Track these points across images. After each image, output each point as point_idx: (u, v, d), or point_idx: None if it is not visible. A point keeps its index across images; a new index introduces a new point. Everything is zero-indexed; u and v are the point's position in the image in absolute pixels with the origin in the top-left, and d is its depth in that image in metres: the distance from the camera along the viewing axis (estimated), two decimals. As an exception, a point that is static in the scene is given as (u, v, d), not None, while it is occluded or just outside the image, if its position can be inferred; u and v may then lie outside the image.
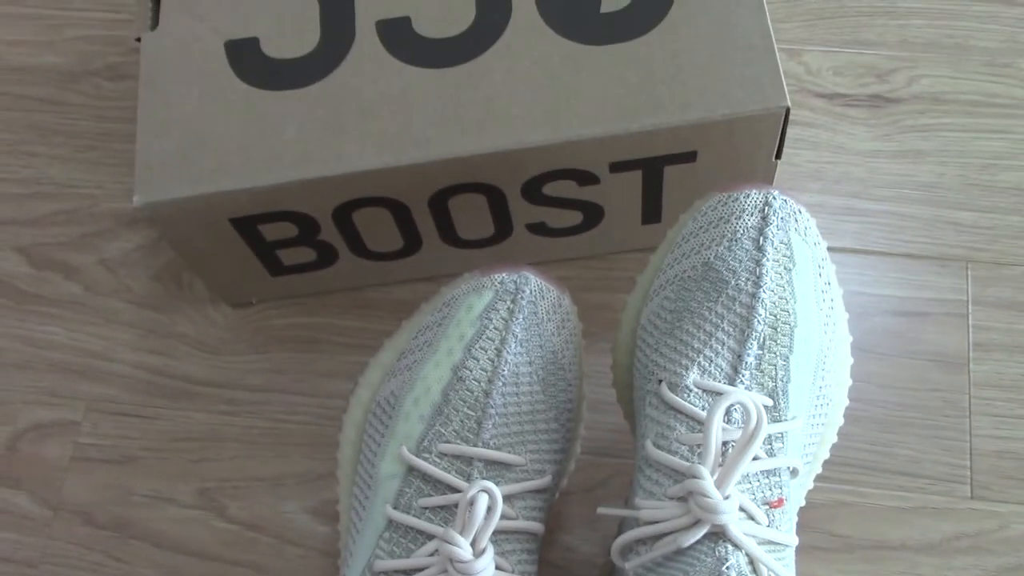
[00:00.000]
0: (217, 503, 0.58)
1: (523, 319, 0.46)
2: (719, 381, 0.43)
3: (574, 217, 0.58)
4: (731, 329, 0.44)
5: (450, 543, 0.41)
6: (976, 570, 0.53)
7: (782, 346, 0.44)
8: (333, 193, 0.52)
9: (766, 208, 0.46)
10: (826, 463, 0.55)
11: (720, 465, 0.40)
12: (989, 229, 0.62)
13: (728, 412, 0.42)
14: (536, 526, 0.45)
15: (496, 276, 0.47)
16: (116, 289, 0.65)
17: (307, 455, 0.59)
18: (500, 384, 0.45)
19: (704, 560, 0.39)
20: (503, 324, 0.46)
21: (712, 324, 0.44)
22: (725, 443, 0.41)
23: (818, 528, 0.55)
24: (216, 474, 0.59)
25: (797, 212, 0.47)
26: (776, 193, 0.46)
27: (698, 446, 0.42)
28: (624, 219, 0.58)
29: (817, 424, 0.47)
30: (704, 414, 0.42)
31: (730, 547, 0.39)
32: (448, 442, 0.44)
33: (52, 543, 0.58)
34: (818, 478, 0.55)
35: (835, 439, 0.49)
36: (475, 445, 0.44)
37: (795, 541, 0.42)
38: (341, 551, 0.49)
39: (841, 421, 0.49)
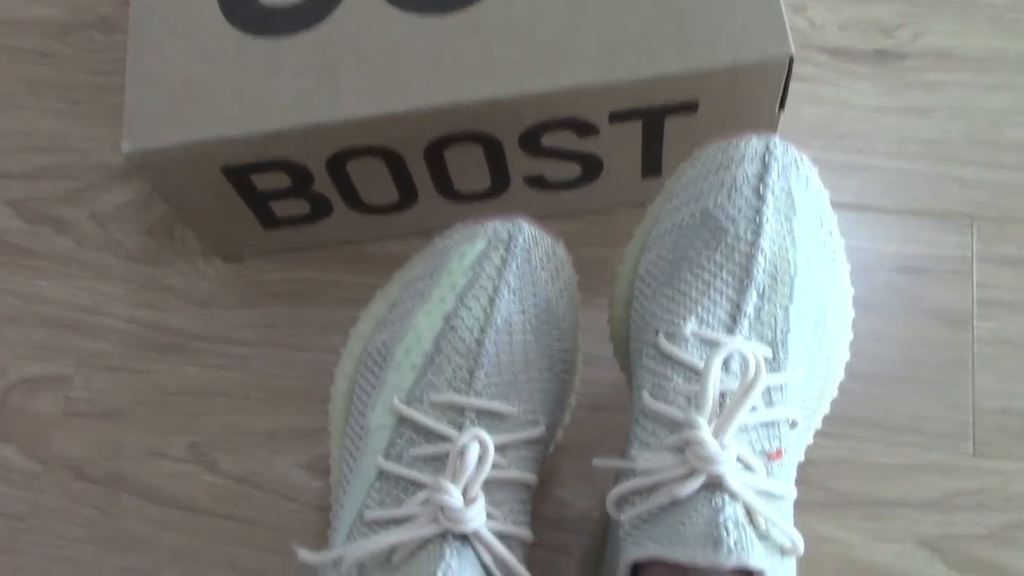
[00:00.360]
0: (209, 458, 0.58)
1: (516, 267, 0.45)
2: (717, 331, 0.42)
3: (573, 170, 0.57)
4: (730, 278, 0.43)
5: (440, 491, 0.40)
6: (978, 527, 0.53)
7: (782, 296, 0.43)
8: (327, 141, 0.51)
9: (767, 156, 0.45)
10: (827, 419, 0.54)
11: (717, 415, 0.39)
12: (995, 186, 0.61)
13: (726, 362, 0.41)
14: (529, 476, 0.44)
15: (489, 225, 0.46)
16: (107, 243, 0.64)
17: (301, 409, 0.58)
18: (493, 333, 0.44)
19: (700, 510, 0.38)
20: (496, 272, 0.45)
21: (710, 273, 0.44)
22: (723, 393, 0.41)
23: (818, 484, 0.54)
24: (208, 429, 0.59)
25: (798, 160, 0.46)
26: (777, 140, 0.45)
27: (695, 396, 0.41)
28: (624, 172, 0.57)
29: (817, 377, 0.46)
30: (702, 364, 0.42)
31: (727, 497, 0.38)
32: (440, 392, 0.44)
33: (42, 497, 0.58)
34: (818, 434, 0.54)
35: (835, 394, 0.49)
36: (467, 395, 0.43)
37: (794, 493, 0.41)
38: (332, 504, 0.48)
39: (842, 376, 0.49)
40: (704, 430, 0.38)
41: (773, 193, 0.44)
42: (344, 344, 0.49)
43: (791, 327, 0.43)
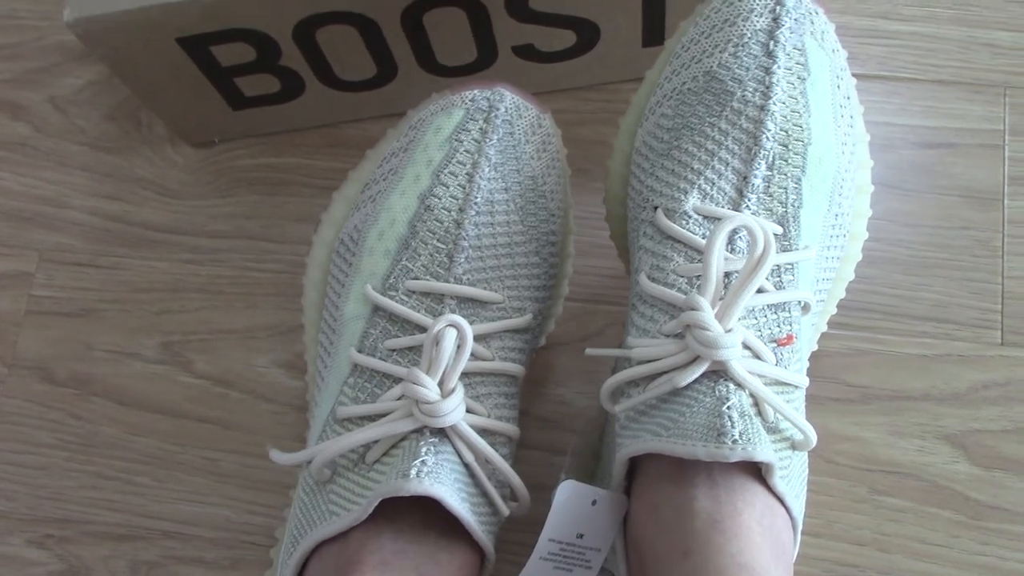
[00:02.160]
0: (183, 357, 0.54)
1: (497, 140, 0.41)
2: (722, 206, 0.38)
3: (566, 38, 0.51)
4: (736, 147, 0.39)
5: (415, 383, 0.36)
6: (1004, 421, 0.49)
7: (794, 166, 0.39)
8: (289, 5, 0.46)
9: (778, 7, 0.40)
10: (844, 307, 0.50)
11: (722, 297, 0.36)
12: (1030, 51, 0.55)
13: (732, 240, 0.38)
14: (514, 368, 0.41)
15: (468, 93, 0.42)
16: (68, 130, 0.59)
17: (279, 306, 0.55)
18: (473, 213, 0.40)
19: (702, 400, 0.35)
20: (475, 146, 0.41)
21: (715, 142, 0.39)
22: (728, 274, 0.37)
23: (833, 377, 0.51)
24: (181, 327, 0.55)
25: (814, 13, 0.41)
26: None
27: (697, 277, 0.37)
28: (623, 40, 0.52)
29: (832, 257, 0.42)
30: (704, 241, 0.38)
31: (732, 386, 0.35)
32: (416, 278, 0.40)
33: (8, 401, 0.54)
34: (835, 324, 0.50)
35: (852, 276, 0.45)
36: (446, 281, 0.40)
37: (805, 382, 0.38)
38: (309, 404, 0.45)
39: (859, 256, 0.45)
40: (707, 313, 0.35)
41: (784, 50, 0.40)
42: (315, 230, 0.45)
43: (803, 201, 0.39)
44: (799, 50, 0.40)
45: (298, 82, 0.52)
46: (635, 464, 0.38)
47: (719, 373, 0.35)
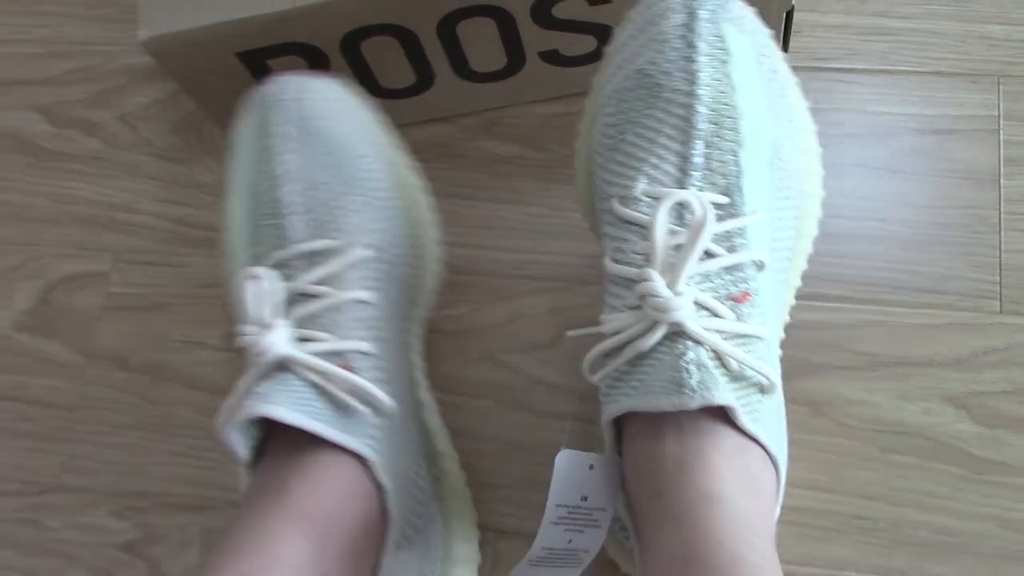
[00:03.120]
0: (245, 345, 0.59)
1: (294, 120, 0.47)
2: (668, 186, 0.42)
3: (587, 43, 0.56)
4: (673, 132, 0.43)
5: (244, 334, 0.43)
6: (1005, 383, 0.53)
7: (728, 141, 0.43)
8: (337, 20, 0.52)
9: (692, 3, 0.44)
10: (853, 282, 0.55)
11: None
12: (1021, 42, 0.59)
13: (681, 216, 0.41)
14: (364, 294, 0.45)
15: (258, 91, 0.49)
16: (136, 143, 0.65)
17: (331, 295, 0.60)
18: (288, 184, 0.47)
19: (665, 359, 0.39)
20: (274, 132, 0.47)
21: (653, 131, 0.43)
22: (680, 245, 0.41)
23: (842, 347, 0.54)
24: (243, 318, 0.60)
25: (727, 2, 0.45)
26: None
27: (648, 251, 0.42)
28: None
29: (784, 216, 0.46)
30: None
31: (689, 342, 0.39)
32: (268, 258, 0.46)
33: (88, 388, 0.60)
34: (843, 298, 0.54)
35: (815, 232, 0.48)
36: (285, 247, 0.45)
37: (767, 333, 0.42)
38: None
39: (819, 213, 0.48)
40: (656, 280, 0.39)
41: (703, 40, 0.43)
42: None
43: (744, 170, 0.43)
44: (718, 37, 0.44)
45: (345, 91, 0.58)
46: (621, 426, 0.43)
47: (678, 334, 0.39)
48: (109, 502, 0.57)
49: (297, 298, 0.44)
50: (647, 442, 0.40)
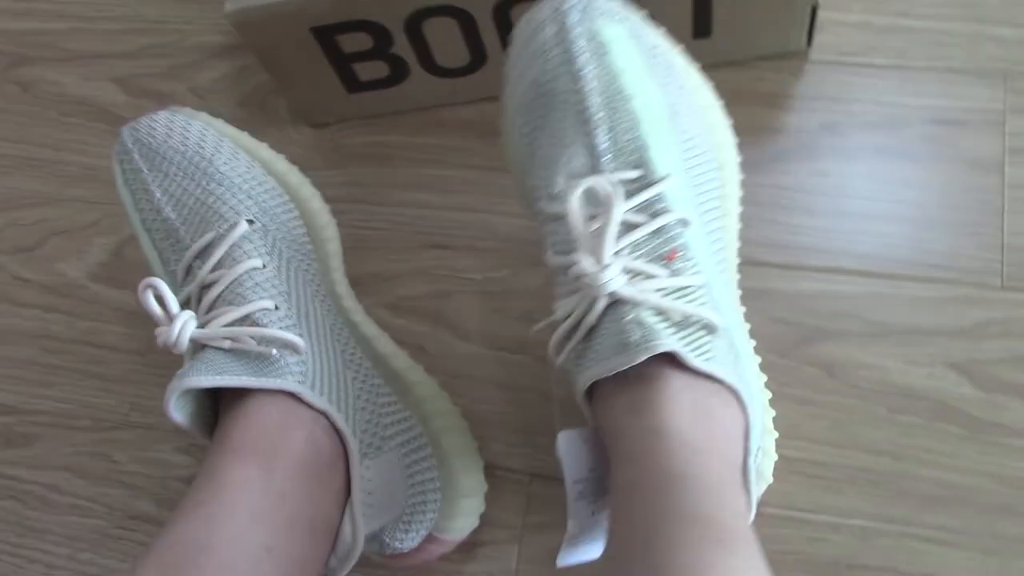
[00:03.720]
0: (303, 300, 0.64)
1: (139, 159, 0.54)
2: (584, 176, 0.46)
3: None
4: (576, 128, 0.47)
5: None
6: (1003, 352, 0.57)
7: (626, 121, 0.46)
8: (403, 0, 0.57)
9: (558, 12, 0.48)
10: (866, 257, 0.59)
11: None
12: (1029, 44, 0.64)
13: (598, 199, 0.44)
14: (248, 263, 0.50)
15: (113, 149, 0.56)
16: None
17: (382, 257, 0.65)
18: (165, 207, 0.53)
19: (610, 327, 0.43)
20: (134, 176, 0.55)
21: (559, 131, 0.47)
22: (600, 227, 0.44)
23: (856, 316, 0.59)
24: (301, 275, 0.65)
25: (591, 1, 0.48)
26: None
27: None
28: (675, 31, 0.61)
29: (703, 171, 0.49)
30: None
31: (628, 306, 0.42)
32: (178, 271, 0.52)
33: (157, 335, 0.65)
34: (858, 271, 0.59)
35: (740, 175, 0.52)
36: (184, 252, 0.52)
37: (704, 279, 0.44)
38: None
39: (738, 158, 0.52)
40: (584, 260, 0.43)
41: (577, 41, 0.47)
42: None
43: (647, 142, 0.46)
44: (591, 33, 0.47)
45: (404, 68, 0.63)
46: (596, 399, 0.46)
47: (617, 302, 0.42)
48: (174, 439, 0.62)
49: (203, 290, 0.50)
50: (608, 402, 0.43)
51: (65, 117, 0.73)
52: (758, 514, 0.54)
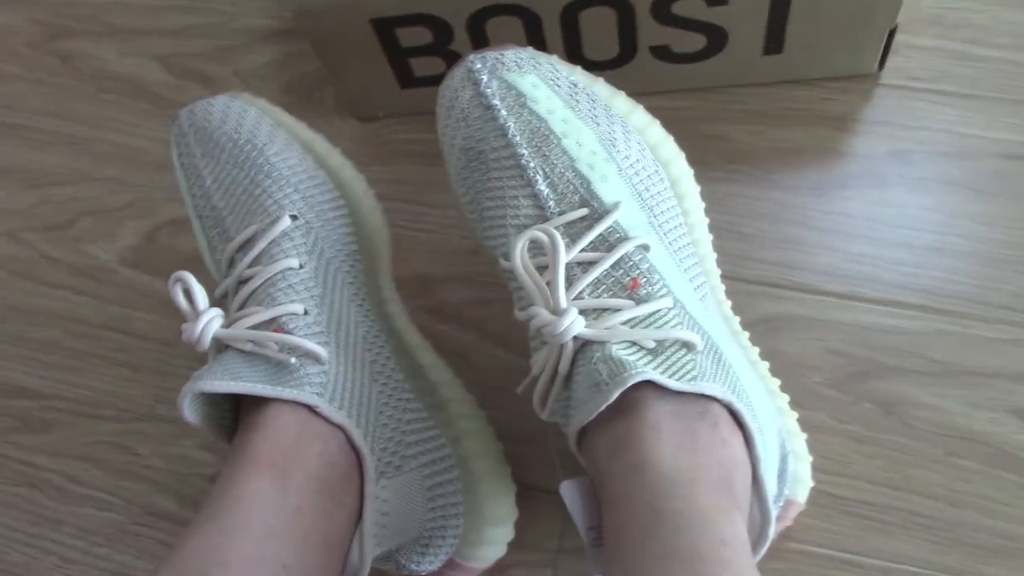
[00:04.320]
0: (341, 299, 0.62)
1: (194, 143, 0.54)
2: (532, 226, 0.45)
3: (698, 41, 0.59)
4: (514, 182, 0.46)
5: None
6: (1069, 400, 0.55)
7: (562, 162, 0.46)
8: (471, -4, 0.55)
9: (471, 75, 0.48)
10: (930, 292, 0.57)
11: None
12: (1108, 81, 0.62)
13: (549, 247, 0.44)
14: (286, 262, 0.49)
15: (171, 130, 0.56)
16: (250, 99, 0.68)
17: (427, 259, 0.63)
18: (214, 194, 0.52)
19: (582, 371, 0.42)
20: (189, 160, 0.54)
21: (499, 189, 0.47)
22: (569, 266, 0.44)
23: (916, 353, 0.57)
24: (340, 273, 0.63)
25: (499, 57, 0.48)
26: (472, 57, 0.48)
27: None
28: (746, 47, 0.60)
29: (655, 192, 0.48)
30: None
31: (595, 346, 0.42)
32: (223, 251, 0.51)
33: (188, 326, 0.63)
34: (920, 307, 0.57)
35: (697, 187, 0.51)
36: (228, 244, 0.51)
37: (672, 300, 0.44)
38: None
39: (691, 170, 0.51)
40: (540, 313, 0.42)
41: (494, 98, 0.47)
42: None
43: (587, 177, 0.46)
44: (507, 87, 0.47)
45: (461, 66, 0.61)
46: (588, 445, 0.44)
47: (585, 345, 0.42)
48: (199, 435, 0.60)
49: (240, 285, 0.49)
50: (593, 447, 0.43)
51: (103, 93, 0.70)
52: (805, 553, 0.52)
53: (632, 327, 0.42)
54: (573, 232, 0.45)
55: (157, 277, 0.64)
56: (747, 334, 0.52)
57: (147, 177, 0.67)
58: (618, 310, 0.43)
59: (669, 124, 0.52)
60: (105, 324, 0.64)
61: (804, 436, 0.51)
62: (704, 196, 0.56)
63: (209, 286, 0.49)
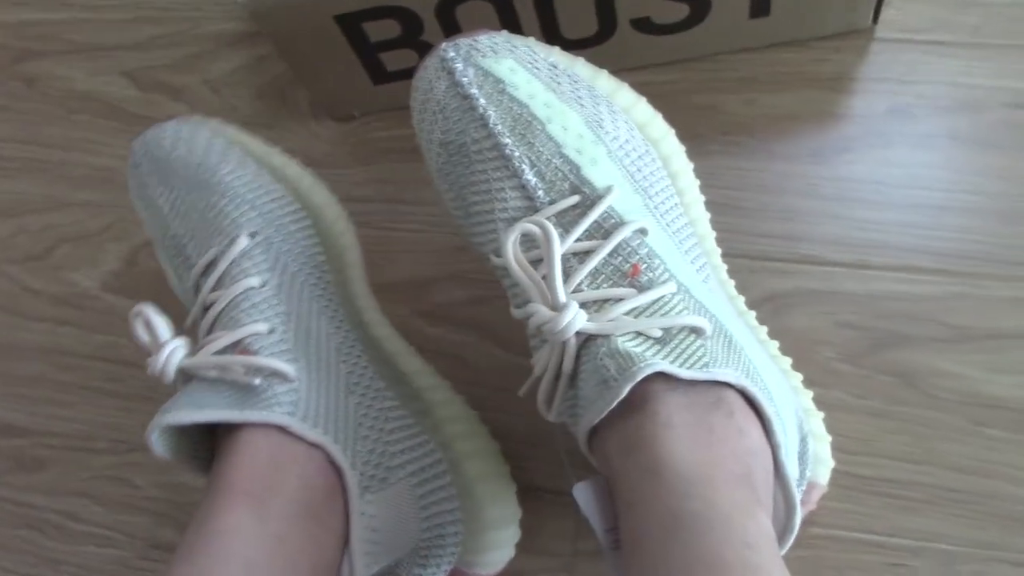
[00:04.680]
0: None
1: (147, 173, 0.52)
2: (522, 219, 0.43)
3: (680, 10, 0.56)
4: (499, 173, 0.44)
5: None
6: (1097, 357, 0.52)
7: (547, 148, 0.44)
8: (436, -17, 0.52)
9: (444, 64, 0.45)
10: (943, 255, 0.55)
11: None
12: (1118, 16, 0.59)
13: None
14: (255, 280, 0.47)
15: (128, 162, 0.53)
16: (221, 108, 0.66)
17: (415, 260, 0.60)
18: (172, 221, 0.51)
19: (588, 368, 0.40)
20: (145, 191, 0.52)
21: (484, 184, 0.45)
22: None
23: (933, 319, 0.54)
24: (328, 282, 0.61)
25: (472, 43, 0.46)
26: (444, 45, 0.46)
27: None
28: (731, 11, 0.57)
29: (648, 172, 0.46)
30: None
31: (599, 340, 0.40)
32: (189, 279, 0.49)
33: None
34: (934, 271, 0.54)
35: (691, 164, 0.49)
36: (192, 268, 0.49)
37: (675, 285, 0.42)
38: None
39: (682, 147, 0.49)
40: (538, 309, 0.40)
41: (471, 86, 0.45)
42: None
43: (576, 163, 0.44)
44: (483, 74, 0.45)
45: (435, 57, 0.58)
46: (599, 443, 0.42)
47: (589, 340, 0.40)
48: (196, 461, 0.58)
49: (205, 311, 0.47)
50: (604, 447, 0.41)
51: (73, 115, 0.68)
52: (831, 537, 0.50)
53: (636, 317, 0.40)
54: (566, 221, 0.43)
55: (141, 301, 0.62)
56: (754, 313, 0.50)
57: (123, 197, 0.64)
58: (620, 300, 0.41)
59: (656, 99, 0.49)
60: (91, 354, 0.62)
61: (821, 415, 0.49)
62: (699, 172, 0.54)
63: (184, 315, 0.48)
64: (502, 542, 0.49)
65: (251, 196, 0.50)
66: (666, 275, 0.42)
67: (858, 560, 0.50)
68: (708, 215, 0.49)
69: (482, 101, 0.45)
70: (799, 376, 0.49)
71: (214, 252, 0.48)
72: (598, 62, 0.48)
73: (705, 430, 0.39)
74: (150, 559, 0.57)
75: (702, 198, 0.49)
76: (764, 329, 0.49)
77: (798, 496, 0.42)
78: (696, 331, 0.40)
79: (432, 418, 0.49)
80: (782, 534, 0.41)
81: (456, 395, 0.52)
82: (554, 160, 0.44)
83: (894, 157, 0.57)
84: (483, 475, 0.49)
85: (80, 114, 0.68)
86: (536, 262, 0.42)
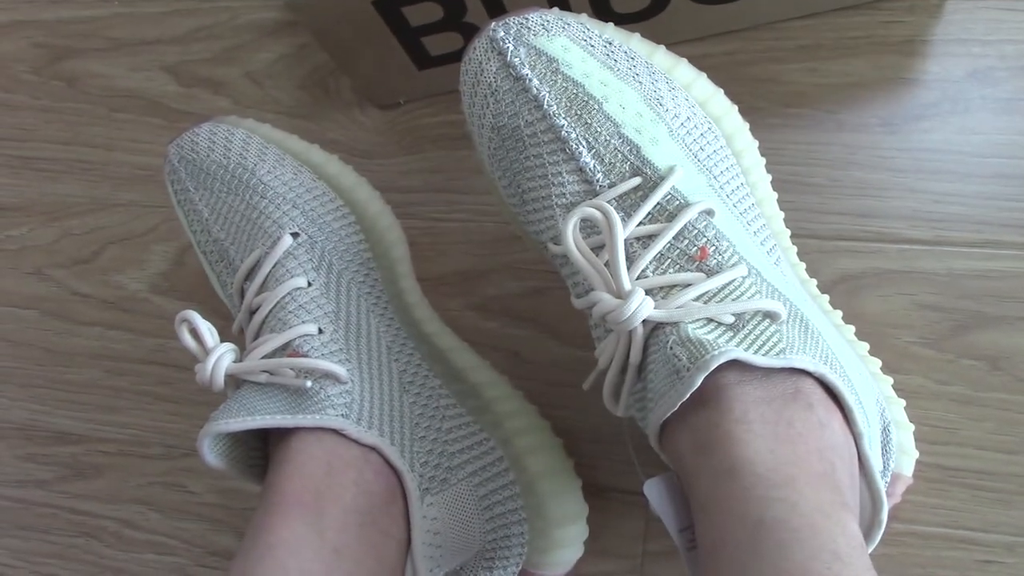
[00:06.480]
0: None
1: (186, 178, 0.50)
2: (581, 204, 0.41)
3: (738, -23, 0.53)
4: (556, 157, 0.42)
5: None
6: None
7: (606, 129, 0.42)
8: (479, -37, 0.49)
9: (494, 44, 0.43)
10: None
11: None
12: None
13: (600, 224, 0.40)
14: (293, 281, 0.46)
15: (164, 168, 0.52)
16: (264, 100, 0.64)
17: (467, 252, 0.58)
18: (213, 226, 0.49)
19: (657, 358, 0.38)
20: (184, 196, 0.51)
21: (540, 168, 0.43)
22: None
23: (1019, 297, 0.51)
24: (378, 277, 0.59)
25: (523, 22, 0.43)
26: (493, 25, 0.44)
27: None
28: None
29: (711, 150, 0.44)
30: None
31: (667, 328, 0.38)
32: (232, 284, 0.48)
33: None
34: (1018, 245, 0.51)
35: (755, 142, 0.46)
36: (237, 269, 0.48)
37: (745, 268, 0.40)
38: None
39: (745, 124, 0.46)
40: (603, 298, 0.38)
41: (524, 67, 0.43)
42: None
43: (636, 142, 0.42)
44: (535, 53, 0.43)
45: (480, 39, 0.55)
46: (670, 436, 0.40)
47: (657, 329, 0.38)
48: (251, 465, 0.57)
49: (251, 315, 0.46)
50: (675, 444, 0.39)
51: (115, 113, 0.67)
52: (915, 533, 0.47)
53: (706, 302, 0.38)
54: (627, 204, 0.41)
55: (190, 302, 0.61)
56: (827, 297, 0.47)
57: (167, 197, 0.63)
58: (688, 285, 0.39)
59: (715, 72, 0.47)
60: (142, 358, 0.61)
61: (903, 403, 0.46)
62: (763, 150, 0.51)
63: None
64: (569, 540, 0.47)
65: (292, 195, 0.49)
66: (735, 258, 0.40)
67: (946, 557, 0.48)
68: (775, 194, 0.47)
69: (535, 82, 0.43)
70: (877, 362, 0.47)
71: (257, 254, 0.47)
72: (652, 37, 0.45)
73: (784, 426, 0.36)
74: (207, 566, 0.56)
75: (768, 176, 0.47)
76: (839, 313, 0.47)
77: (884, 489, 0.40)
78: (770, 316, 0.38)
79: (490, 415, 0.47)
80: (868, 530, 0.39)
81: (516, 390, 0.50)
82: (613, 141, 0.42)
83: (974, 124, 0.54)
84: (546, 471, 0.47)
85: (122, 112, 0.67)
86: (597, 248, 0.41)
